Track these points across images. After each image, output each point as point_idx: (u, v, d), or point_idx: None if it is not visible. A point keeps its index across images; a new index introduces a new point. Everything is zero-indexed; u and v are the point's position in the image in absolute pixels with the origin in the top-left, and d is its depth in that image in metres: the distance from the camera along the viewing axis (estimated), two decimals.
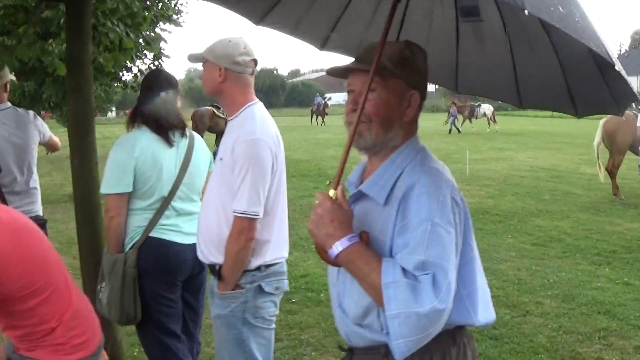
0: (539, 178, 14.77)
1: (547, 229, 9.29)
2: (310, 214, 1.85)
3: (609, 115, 11.63)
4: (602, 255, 7.75)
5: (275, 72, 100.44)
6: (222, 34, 3.74)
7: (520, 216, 10.33)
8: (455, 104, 32.47)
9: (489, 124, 32.14)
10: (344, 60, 2.41)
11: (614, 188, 11.89)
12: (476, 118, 32.65)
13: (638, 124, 11.04)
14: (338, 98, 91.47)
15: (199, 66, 3.22)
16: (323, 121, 42.16)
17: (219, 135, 18.85)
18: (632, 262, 7.44)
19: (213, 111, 19.91)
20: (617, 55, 1.82)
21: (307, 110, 73.65)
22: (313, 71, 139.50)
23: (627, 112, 13.31)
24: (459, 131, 31.25)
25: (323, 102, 43.05)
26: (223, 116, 19.23)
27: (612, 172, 11.83)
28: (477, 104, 33.41)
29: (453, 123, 31.44)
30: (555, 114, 44.56)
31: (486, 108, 32.51)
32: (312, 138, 29.47)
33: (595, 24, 1.72)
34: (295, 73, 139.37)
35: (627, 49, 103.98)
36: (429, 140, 28.06)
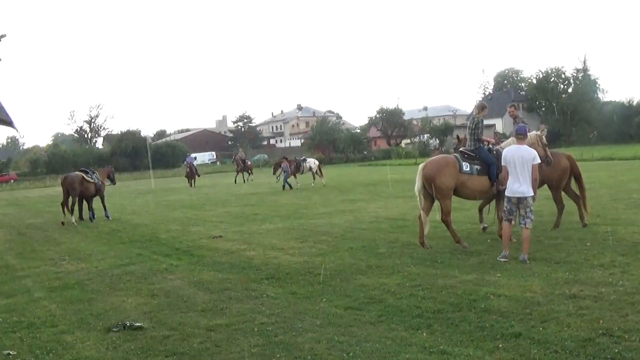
0: (381, 230, 14.63)
1: (370, 288, 8.75)
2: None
3: (430, 158, 12.03)
4: (423, 317, 7.17)
5: (139, 134, 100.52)
6: None
7: (345, 275, 9.83)
8: (286, 158, 34.01)
9: (314, 177, 34.22)
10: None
11: (453, 236, 11.72)
12: (302, 173, 34.30)
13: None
14: (203, 157, 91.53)
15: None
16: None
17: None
18: (457, 322, 6.89)
19: (83, 176, 21.38)
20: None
21: (171, 171, 74.74)
22: (178, 131, 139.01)
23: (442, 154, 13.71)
24: (290, 187, 32.24)
25: (193, 160, 43.63)
26: (92, 180, 21.48)
27: (445, 221, 11.77)
28: (302, 158, 35.88)
29: (285, 179, 32.12)
30: (419, 160, 47.10)
31: (312, 162, 34.57)
32: (165, 200, 30.05)
33: None
34: (161, 134, 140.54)
35: (491, 92, 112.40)
36: (278, 196, 27.85)
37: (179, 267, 11.56)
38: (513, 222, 10.40)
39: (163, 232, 17.04)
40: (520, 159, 10.05)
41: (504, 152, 10.30)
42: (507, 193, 10.24)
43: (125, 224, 19.91)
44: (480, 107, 12.44)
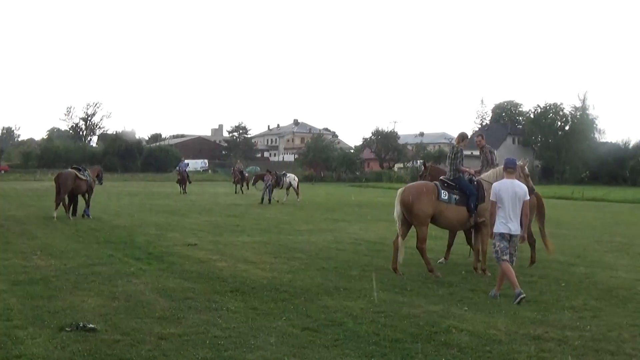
0: (358, 252, 14.55)
1: (333, 310, 8.59)
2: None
3: (409, 184, 11.91)
4: (380, 345, 7.00)
5: (134, 135, 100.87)
6: None
7: (310, 294, 9.68)
8: (270, 172, 33.58)
9: (287, 194, 34.01)
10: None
11: (427, 265, 11.61)
12: (281, 187, 34.12)
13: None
14: (195, 165, 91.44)
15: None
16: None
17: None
18: (413, 354, 6.73)
19: (76, 174, 21.70)
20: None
21: (162, 175, 74.78)
22: (173, 136, 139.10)
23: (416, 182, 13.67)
24: (270, 201, 32.00)
25: (186, 167, 42.75)
26: (85, 178, 21.85)
27: (420, 248, 11.67)
28: (282, 172, 35.34)
29: (270, 192, 31.88)
30: None
31: (291, 178, 34.38)
32: (150, 204, 30.00)
33: None
34: (156, 137, 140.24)
35: (488, 123, 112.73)
36: (263, 209, 27.78)
37: (146, 272, 11.40)
38: (513, 259, 9.77)
39: (140, 235, 16.94)
40: (513, 195, 9.65)
41: (496, 186, 9.82)
42: (499, 230, 9.67)
43: (104, 224, 19.75)
44: (461, 138, 12.49)
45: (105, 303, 8.89)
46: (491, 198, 9.85)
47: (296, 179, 34.62)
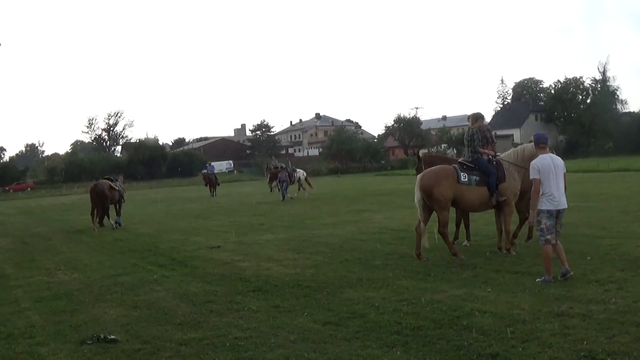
0: (382, 241, 14.44)
1: (355, 302, 8.52)
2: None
3: (428, 169, 11.74)
4: (401, 334, 6.92)
5: (156, 142, 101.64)
6: None
7: (333, 287, 9.63)
8: (284, 168, 34.02)
9: (298, 189, 34.24)
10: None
11: (450, 249, 11.52)
12: (292, 183, 34.33)
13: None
14: (221, 166, 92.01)
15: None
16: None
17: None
18: (435, 340, 6.63)
19: (110, 184, 22.42)
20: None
21: (188, 180, 75.32)
22: (197, 140, 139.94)
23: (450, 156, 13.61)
24: (283, 197, 31.83)
25: (212, 170, 42.46)
26: (117, 188, 22.53)
27: (442, 232, 11.60)
28: (292, 168, 35.55)
29: (285, 189, 31.75)
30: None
31: (300, 173, 34.72)
32: (175, 209, 30.28)
33: None
34: (180, 142, 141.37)
35: (510, 101, 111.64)
36: (288, 205, 27.83)
37: (169, 279, 11.43)
38: (554, 242, 9.25)
39: (164, 242, 17.02)
40: (555, 168, 9.28)
41: (535, 163, 9.38)
42: (547, 207, 9.20)
43: (129, 233, 19.93)
44: (474, 118, 12.22)
45: (127, 313, 8.91)
46: (532, 176, 9.39)
47: (304, 174, 34.78)
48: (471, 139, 11.89)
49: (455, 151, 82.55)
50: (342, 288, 9.53)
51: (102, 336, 7.57)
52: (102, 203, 21.84)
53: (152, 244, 16.69)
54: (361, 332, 7.10)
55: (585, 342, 6.30)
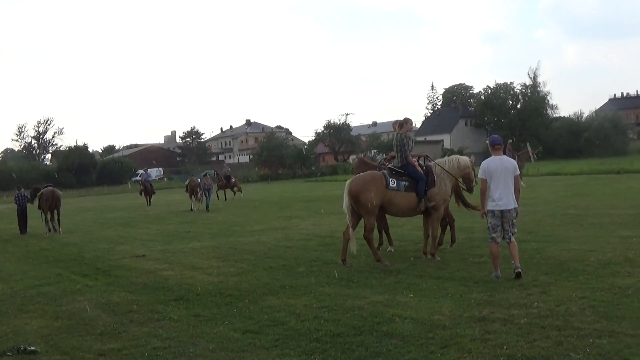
0: (307, 247, 14.52)
1: (276, 310, 8.50)
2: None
3: (357, 175, 11.82)
4: (320, 341, 6.92)
5: (86, 149, 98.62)
6: None
7: (255, 295, 9.60)
8: (206, 175, 33.61)
9: (234, 193, 36.80)
10: None
11: (374, 254, 11.63)
12: (228, 187, 36.31)
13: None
14: (151, 174, 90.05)
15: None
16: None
17: None
18: (354, 347, 6.66)
19: (54, 189, 23.73)
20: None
21: (118, 188, 73.50)
22: (127, 147, 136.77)
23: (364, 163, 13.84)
24: (207, 208, 31.37)
25: (146, 175, 41.08)
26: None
27: (367, 237, 11.63)
28: (203, 173, 35.94)
29: (208, 196, 31.22)
30: None
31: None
32: (103, 218, 29.80)
33: None
34: (110, 149, 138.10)
35: (440, 107, 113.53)
36: (217, 213, 27.53)
37: (92, 288, 11.23)
38: (499, 240, 9.66)
39: (89, 251, 16.72)
40: (504, 170, 9.55)
41: (485, 164, 9.73)
42: (491, 207, 9.62)
43: (55, 243, 19.60)
44: (399, 125, 12.30)
45: (49, 324, 8.73)
46: (480, 176, 9.72)
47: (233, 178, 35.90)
48: (400, 145, 11.99)
49: (384, 156, 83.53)
50: (264, 296, 9.50)
51: (22, 347, 7.43)
52: (55, 208, 22.90)
53: (78, 254, 16.39)
54: (280, 340, 7.06)
55: (505, 347, 6.34)
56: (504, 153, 13.17)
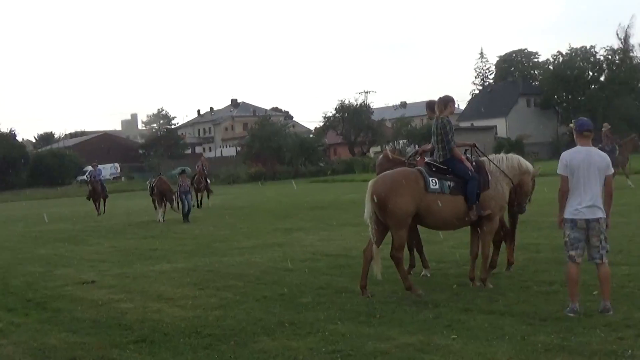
0: (314, 270, 14.60)
1: (272, 355, 8.53)
2: None
3: (383, 173, 11.85)
4: None
5: (13, 137, 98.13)
6: None
7: (244, 335, 9.62)
8: (184, 171, 34.07)
9: (208, 197, 38.27)
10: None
11: (404, 280, 11.64)
12: (202, 191, 37.57)
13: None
14: (104, 171, 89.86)
15: None
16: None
17: None
18: None
19: None
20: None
21: (57, 190, 73.74)
22: (70, 135, 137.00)
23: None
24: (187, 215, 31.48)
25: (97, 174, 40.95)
26: None
27: (396, 257, 11.59)
28: (204, 169, 38.43)
29: (188, 207, 31.16)
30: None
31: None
32: (38, 230, 29.75)
33: None
34: (47, 138, 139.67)
35: (492, 82, 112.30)
36: (193, 224, 27.68)
37: (21, 327, 11.22)
38: (580, 260, 9.53)
39: (17, 277, 16.72)
40: (592, 166, 9.45)
41: (567, 156, 9.63)
42: (569, 215, 9.59)
43: None
44: (443, 104, 12.19)
45: None
46: (559, 172, 9.66)
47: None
48: (443, 132, 11.88)
49: (416, 148, 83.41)
50: (257, 336, 9.54)
51: None
52: None
53: (1, 280, 16.41)
54: None
55: None
56: (598, 143, 13.02)
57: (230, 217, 30.02)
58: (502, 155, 12.55)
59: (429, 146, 12.75)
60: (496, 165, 12.03)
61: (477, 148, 12.68)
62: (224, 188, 60.78)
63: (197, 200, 38.00)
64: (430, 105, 12.76)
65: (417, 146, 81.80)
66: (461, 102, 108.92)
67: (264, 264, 15.95)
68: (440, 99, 12.31)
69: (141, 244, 21.90)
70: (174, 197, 30.36)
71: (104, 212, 37.35)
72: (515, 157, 12.40)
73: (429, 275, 13.20)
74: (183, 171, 33.12)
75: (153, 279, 14.85)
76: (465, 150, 12.43)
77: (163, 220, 29.79)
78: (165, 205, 30.44)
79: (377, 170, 13.43)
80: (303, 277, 13.79)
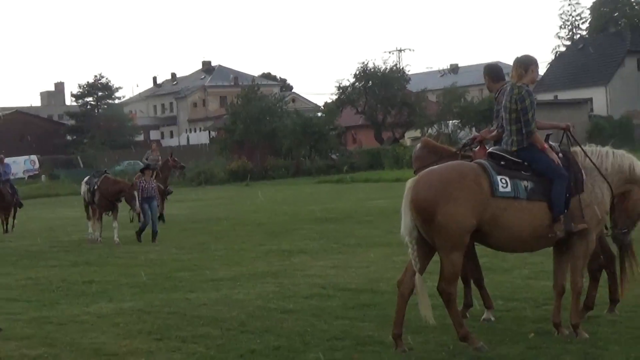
0: (323, 312, 14.63)
1: None
2: None
3: (428, 169, 11.87)
4: None
5: None
6: None
7: None
8: (149, 168, 33.90)
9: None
10: None
11: (457, 327, 11.57)
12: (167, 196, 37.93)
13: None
14: (16, 166, 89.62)
15: None
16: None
17: None
18: None
19: None
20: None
21: None
22: None
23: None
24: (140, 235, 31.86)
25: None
26: None
27: (447, 293, 11.49)
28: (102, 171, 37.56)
29: (149, 209, 31.39)
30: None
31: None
32: None
33: None
34: None
35: (585, 34, 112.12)
36: (147, 245, 27.82)
37: None
38: None
39: None
40: None
41: None
42: None
43: None
44: (523, 67, 12.07)
45: None
46: None
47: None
48: (521, 107, 11.75)
49: (473, 133, 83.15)
50: None
51: None
52: None
53: None
54: None
55: None
56: None
57: (201, 234, 30.26)
58: (607, 149, 12.29)
59: (493, 130, 12.68)
60: (591, 161, 11.90)
61: (571, 133, 12.47)
62: (192, 191, 61.07)
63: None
64: (491, 70, 12.68)
65: (474, 130, 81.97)
66: (540, 65, 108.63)
67: (250, 302, 15.98)
68: (518, 60, 12.16)
69: (70, 274, 21.99)
70: (136, 204, 29.83)
71: (14, 227, 37.48)
72: (628, 157, 12.20)
73: (493, 319, 13.19)
74: (147, 167, 32.67)
75: (88, 326, 14.87)
76: (547, 136, 12.29)
77: (97, 238, 29.72)
78: (116, 217, 30.06)
79: (416, 165, 13.45)
80: (308, 323, 13.79)
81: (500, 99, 12.39)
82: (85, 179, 32.67)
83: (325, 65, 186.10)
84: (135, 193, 28.96)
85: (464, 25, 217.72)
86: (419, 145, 14.96)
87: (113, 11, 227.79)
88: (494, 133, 12.61)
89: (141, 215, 29.79)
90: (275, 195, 50.65)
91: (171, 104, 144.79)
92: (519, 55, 12.24)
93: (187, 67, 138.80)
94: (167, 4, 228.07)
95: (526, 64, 12.05)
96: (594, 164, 11.86)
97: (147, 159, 38.76)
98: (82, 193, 32.36)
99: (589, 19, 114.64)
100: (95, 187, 30.31)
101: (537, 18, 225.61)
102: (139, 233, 29.41)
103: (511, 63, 12.10)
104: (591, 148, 12.33)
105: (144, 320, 15.00)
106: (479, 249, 13.00)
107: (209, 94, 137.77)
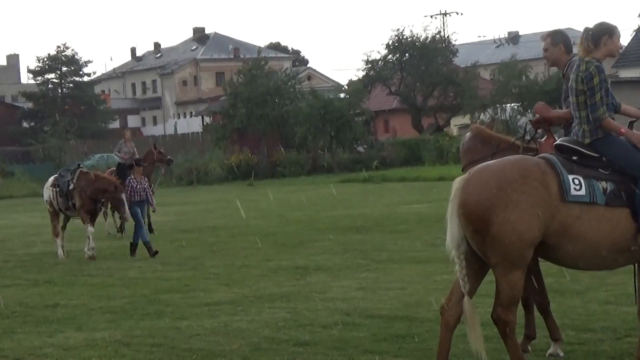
0: (350, 344, 14.63)
1: None
2: None
3: (480, 165, 11.84)
4: None
5: None
6: None
7: None
8: (137, 164, 34.04)
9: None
10: None
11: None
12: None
13: None
14: None
15: None
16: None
17: None
18: None
19: None
20: None
21: None
22: None
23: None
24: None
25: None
26: None
27: (504, 321, 11.45)
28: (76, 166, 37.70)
29: (140, 212, 31.85)
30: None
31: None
32: None
33: None
34: None
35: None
36: (120, 260, 28.05)
37: None
38: None
39: None
40: None
41: None
42: None
43: None
44: (593, 39, 12.05)
45: None
46: None
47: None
48: (588, 87, 11.74)
49: (534, 117, 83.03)
50: None
51: None
52: None
53: None
54: None
55: None
56: None
57: (193, 246, 30.43)
58: None
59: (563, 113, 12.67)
60: None
61: None
62: (180, 192, 61.22)
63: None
64: (566, 38, 12.68)
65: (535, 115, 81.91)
66: (622, 34, 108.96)
67: (255, 332, 16.03)
68: (587, 30, 12.07)
69: (29, 295, 22.10)
70: (123, 207, 29.06)
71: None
72: None
73: (561, 354, 13.22)
74: (137, 163, 32.43)
75: None
76: (631, 123, 12.25)
77: (61, 254, 29.43)
78: (93, 223, 29.56)
79: (465, 160, 13.45)
80: (328, 358, 13.89)
81: (569, 75, 12.25)
82: (50, 180, 31.37)
83: (349, 34, 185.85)
84: (123, 196, 28.65)
85: None
86: (468, 134, 14.93)
87: None
88: (562, 112, 12.53)
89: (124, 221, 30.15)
90: (287, 198, 50.78)
91: (154, 82, 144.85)
92: (581, 24, 12.25)
93: (175, 35, 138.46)
94: None
95: (597, 35, 11.75)
96: None
97: (119, 152, 38.59)
98: (46, 199, 31.10)
99: None
100: (72, 188, 29.23)
101: None
102: (148, 247, 28.66)
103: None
104: None
105: (122, 354, 15.04)
106: (545, 266, 13.01)
107: (202, 69, 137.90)
